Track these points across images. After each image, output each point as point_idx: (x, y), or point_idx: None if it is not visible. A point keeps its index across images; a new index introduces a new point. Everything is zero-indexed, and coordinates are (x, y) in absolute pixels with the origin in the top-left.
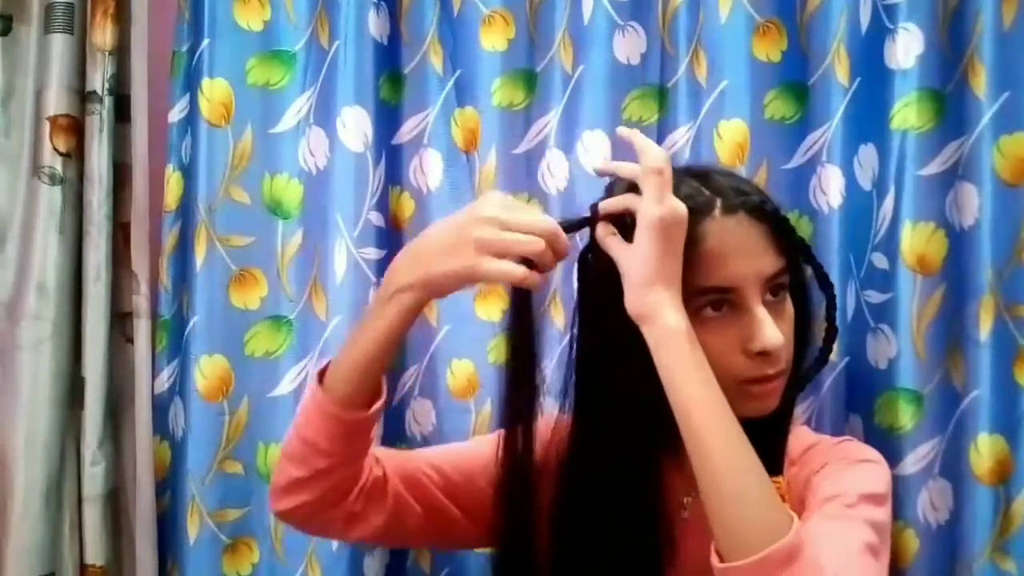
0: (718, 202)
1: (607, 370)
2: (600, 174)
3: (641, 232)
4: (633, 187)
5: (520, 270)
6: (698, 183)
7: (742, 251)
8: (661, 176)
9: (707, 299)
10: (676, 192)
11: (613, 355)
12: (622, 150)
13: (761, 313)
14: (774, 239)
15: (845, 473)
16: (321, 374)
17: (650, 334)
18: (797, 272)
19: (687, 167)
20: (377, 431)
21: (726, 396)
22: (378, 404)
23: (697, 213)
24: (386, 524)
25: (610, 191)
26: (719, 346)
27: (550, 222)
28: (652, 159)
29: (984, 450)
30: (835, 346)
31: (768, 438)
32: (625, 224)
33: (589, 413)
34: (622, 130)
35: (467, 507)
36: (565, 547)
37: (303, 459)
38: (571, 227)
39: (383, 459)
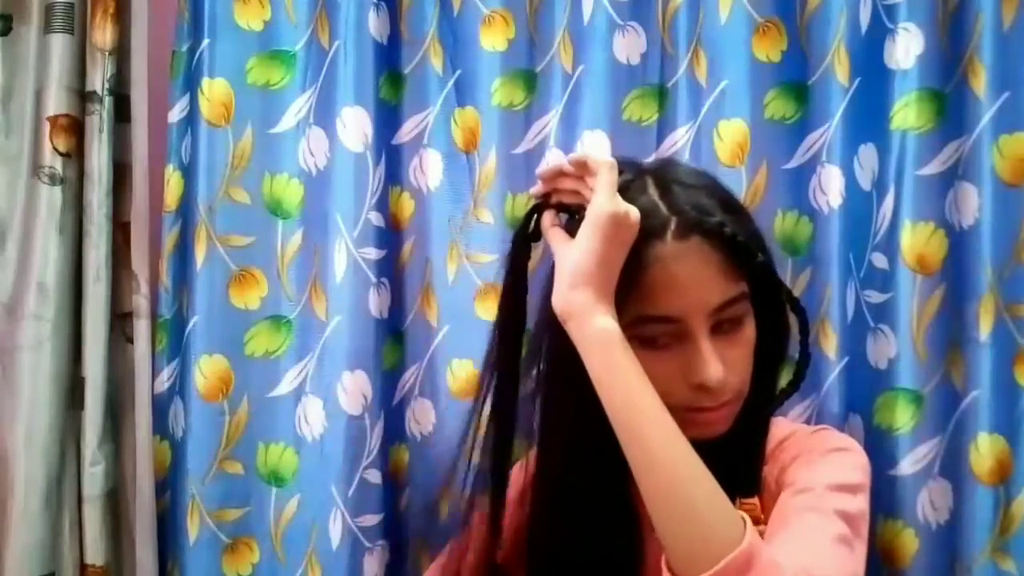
0: (672, 223)
1: (559, 387)
2: (542, 177)
3: (587, 226)
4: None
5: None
6: (658, 195)
7: (690, 281)
8: (615, 172)
9: (650, 327)
10: (635, 200)
11: (561, 367)
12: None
13: (704, 346)
14: (730, 264)
15: (817, 464)
16: None
17: (576, 335)
18: (769, 290)
19: (655, 168)
20: None
21: None
22: None
23: (648, 235)
24: None
25: (535, 213)
26: (660, 374)
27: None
28: (603, 159)
29: (984, 450)
30: (835, 346)
31: (741, 460)
32: (573, 220)
33: (551, 434)
34: (573, 157)
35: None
36: (542, 566)
37: None
38: (524, 223)
39: None
